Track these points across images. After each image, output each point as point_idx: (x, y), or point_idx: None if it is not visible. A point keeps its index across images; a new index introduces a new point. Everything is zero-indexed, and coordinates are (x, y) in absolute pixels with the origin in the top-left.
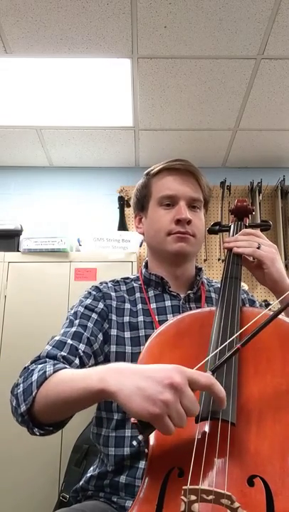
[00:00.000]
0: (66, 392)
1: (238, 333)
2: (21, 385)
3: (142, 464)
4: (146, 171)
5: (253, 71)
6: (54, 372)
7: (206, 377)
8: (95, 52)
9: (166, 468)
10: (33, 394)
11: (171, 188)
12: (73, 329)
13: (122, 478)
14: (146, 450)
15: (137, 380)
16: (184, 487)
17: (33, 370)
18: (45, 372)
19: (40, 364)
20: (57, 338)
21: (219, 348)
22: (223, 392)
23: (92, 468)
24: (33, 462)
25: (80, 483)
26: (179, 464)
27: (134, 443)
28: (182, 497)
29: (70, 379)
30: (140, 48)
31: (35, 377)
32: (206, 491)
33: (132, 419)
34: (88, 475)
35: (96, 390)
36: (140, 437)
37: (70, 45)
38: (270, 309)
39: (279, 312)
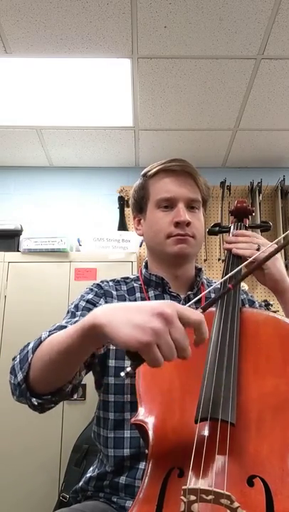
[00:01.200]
0: (60, 342)
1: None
2: (17, 356)
3: (141, 465)
4: (142, 172)
5: (253, 71)
6: (49, 336)
7: (197, 314)
8: (95, 52)
9: (166, 469)
10: (29, 359)
11: (169, 190)
12: (75, 319)
13: (122, 479)
14: (146, 451)
15: (127, 312)
16: (184, 487)
17: (29, 343)
18: (40, 337)
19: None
20: (58, 324)
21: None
22: (207, 333)
23: (91, 469)
24: (33, 462)
25: (80, 483)
26: (178, 464)
27: (122, 374)
28: (182, 497)
29: (64, 331)
30: (140, 48)
31: (31, 345)
32: (205, 491)
33: (132, 420)
34: (88, 475)
35: (87, 326)
36: (128, 369)
37: (70, 45)
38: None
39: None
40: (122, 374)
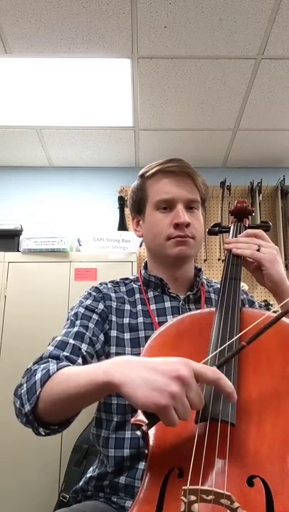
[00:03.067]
0: (71, 388)
1: (239, 335)
2: (24, 385)
3: (141, 465)
4: (140, 173)
5: (253, 71)
6: (58, 370)
7: (213, 371)
8: (95, 52)
9: (166, 469)
10: (37, 393)
11: (168, 191)
12: (75, 329)
13: (122, 479)
14: (146, 451)
15: (143, 371)
16: (184, 487)
17: (36, 369)
18: (48, 370)
19: (43, 364)
20: (58, 338)
21: (226, 344)
22: (231, 386)
23: (91, 469)
24: (33, 462)
25: (80, 483)
26: (178, 464)
27: (138, 433)
28: (182, 497)
29: (75, 374)
30: (140, 48)
31: (38, 376)
32: (205, 491)
33: (132, 420)
34: (88, 475)
35: (101, 382)
36: (144, 428)
37: (70, 45)
38: (273, 311)
39: (286, 312)
40: (138, 433)
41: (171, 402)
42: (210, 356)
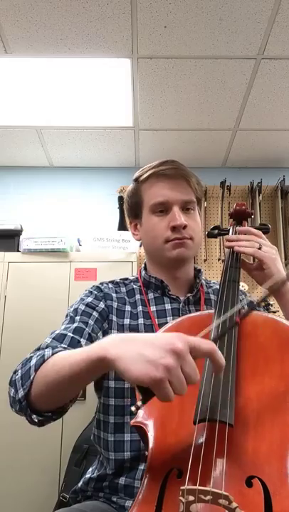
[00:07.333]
0: (65, 367)
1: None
2: (19, 371)
3: (142, 466)
4: (134, 176)
5: (253, 71)
6: (53, 354)
7: (208, 344)
8: (95, 52)
9: (166, 470)
10: (31, 378)
11: (163, 194)
12: (74, 325)
13: (122, 480)
14: (146, 452)
15: (138, 346)
16: (182, 487)
17: (31, 356)
18: (43, 355)
19: (38, 351)
20: (57, 331)
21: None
22: (223, 360)
23: (90, 470)
24: (33, 462)
25: (79, 484)
26: (177, 465)
27: (133, 408)
28: (180, 497)
29: (69, 354)
30: (140, 48)
31: (33, 361)
32: (203, 491)
33: (132, 408)
34: (87, 476)
35: (96, 357)
36: (139, 403)
37: (70, 45)
38: (269, 310)
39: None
40: (133, 409)
41: (165, 375)
42: (202, 333)
